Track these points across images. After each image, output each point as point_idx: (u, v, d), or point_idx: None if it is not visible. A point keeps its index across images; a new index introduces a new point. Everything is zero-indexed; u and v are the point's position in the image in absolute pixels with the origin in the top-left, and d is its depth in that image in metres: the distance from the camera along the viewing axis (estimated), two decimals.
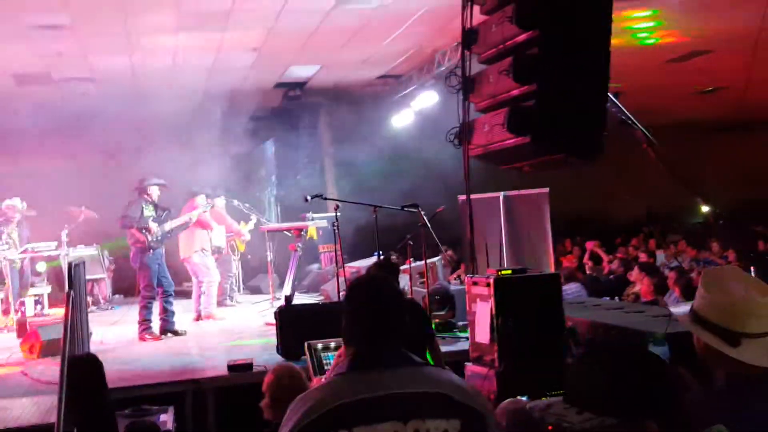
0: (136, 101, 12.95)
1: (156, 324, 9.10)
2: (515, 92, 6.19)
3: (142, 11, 8.91)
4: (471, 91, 6.77)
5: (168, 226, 9.28)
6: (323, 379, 4.90)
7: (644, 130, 8.30)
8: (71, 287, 5.12)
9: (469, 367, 5.75)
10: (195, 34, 10.00)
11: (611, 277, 11.49)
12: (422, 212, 7.93)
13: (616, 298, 9.37)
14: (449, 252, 12.06)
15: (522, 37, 6.05)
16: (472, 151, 6.74)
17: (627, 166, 13.79)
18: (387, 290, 2.31)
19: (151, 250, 9.02)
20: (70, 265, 5.65)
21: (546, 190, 9.90)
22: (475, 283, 5.75)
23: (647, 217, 18.86)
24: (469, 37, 6.77)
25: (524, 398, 3.32)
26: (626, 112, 8.03)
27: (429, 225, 7.94)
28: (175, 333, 9.11)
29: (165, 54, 10.86)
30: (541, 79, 5.93)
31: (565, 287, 7.46)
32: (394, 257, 9.45)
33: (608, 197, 17.63)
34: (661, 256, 13.30)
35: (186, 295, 13.04)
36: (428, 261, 8.35)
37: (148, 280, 9.04)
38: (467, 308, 5.88)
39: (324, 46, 10.95)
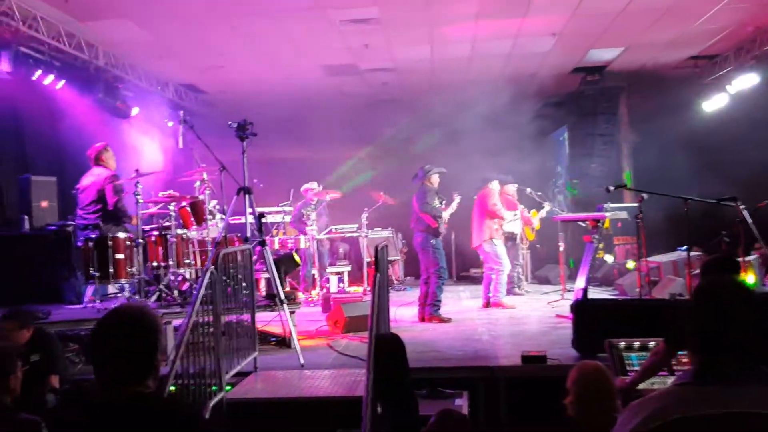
0: (433, 90, 13.35)
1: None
2: None
3: (446, 0, 9.06)
4: None
5: (446, 213, 9.61)
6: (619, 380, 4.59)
7: None
8: (378, 270, 5.31)
9: None
10: (494, 22, 9.98)
11: None
12: (741, 206, 7.13)
13: None
14: (764, 250, 10.82)
15: None
16: None
17: None
18: (747, 300, 2.12)
19: (440, 235, 9.39)
20: (376, 248, 5.87)
21: None
22: None
23: None
24: None
25: None
26: None
27: (750, 220, 7.12)
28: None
29: (463, 42, 11.00)
30: None
31: None
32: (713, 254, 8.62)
33: None
34: None
35: (474, 281, 13.24)
36: (744, 259, 7.53)
37: (442, 263, 9.35)
38: None
39: (629, 28, 10.37)
